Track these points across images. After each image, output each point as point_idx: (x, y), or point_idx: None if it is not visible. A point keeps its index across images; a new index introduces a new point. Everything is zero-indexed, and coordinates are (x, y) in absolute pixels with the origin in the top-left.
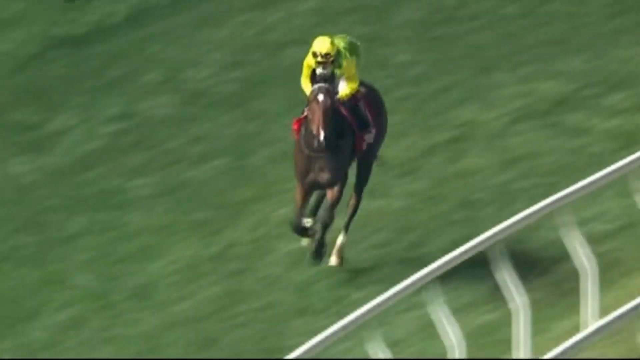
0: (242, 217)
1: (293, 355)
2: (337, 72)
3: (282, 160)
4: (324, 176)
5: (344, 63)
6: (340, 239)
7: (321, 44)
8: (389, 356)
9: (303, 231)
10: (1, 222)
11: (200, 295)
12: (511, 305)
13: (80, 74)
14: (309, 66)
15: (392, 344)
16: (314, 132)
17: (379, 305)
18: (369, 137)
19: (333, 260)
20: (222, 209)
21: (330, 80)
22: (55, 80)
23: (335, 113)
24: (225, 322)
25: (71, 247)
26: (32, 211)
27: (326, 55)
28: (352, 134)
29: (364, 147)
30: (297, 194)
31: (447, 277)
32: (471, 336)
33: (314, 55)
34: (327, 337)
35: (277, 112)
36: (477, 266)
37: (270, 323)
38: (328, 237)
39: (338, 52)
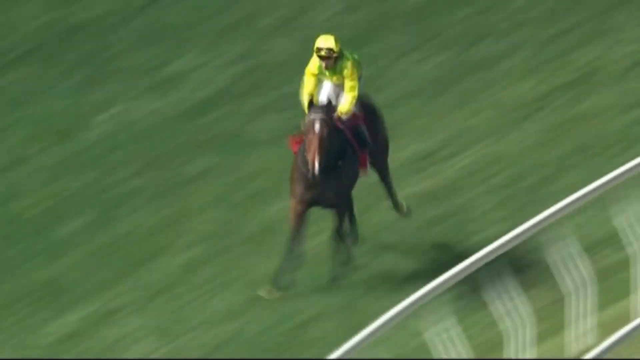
0: None
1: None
2: (338, 77)
3: (398, 105)
4: (326, 196)
5: (347, 66)
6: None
7: (325, 40)
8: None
9: (288, 264)
10: (121, 166)
11: (318, 238)
12: None
13: (201, 17)
14: (312, 74)
15: None
16: (309, 162)
17: (491, 251)
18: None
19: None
20: None
21: (327, 110)
22: (176, 23)
23: (337, 134)
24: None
25: (190, 191)
26: (152, 154)
27: (329, 50)
28: (354, 154)
29: (367, 165)
30: (292, 215)
31: None
32: None
33: (318, 50)
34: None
35: (396, 54)
36: None
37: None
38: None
39: (341, 53)
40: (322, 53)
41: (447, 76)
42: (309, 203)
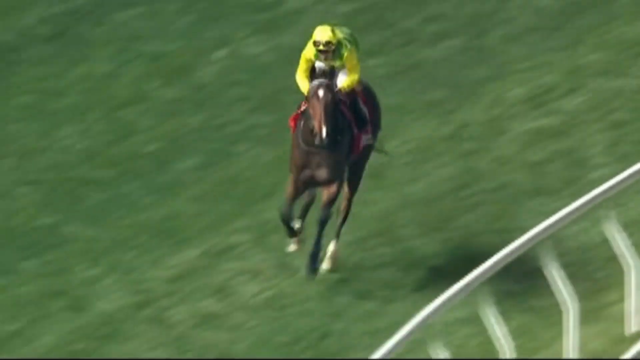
0: (476, 96)
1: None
2: (338, 63)
3: (518, 40)
4: (322, 173)
5: (345, 53)
6: (331, 247)
7: (322, 33)
8: (626, 238)
9: (291, 231)
10: (237, 102)
11: (434, 175)
12: None
13: None
14: (308, 59)
15: (627, 225)
16: (316, 128)
17: (613, 186)
18: (365, 139)
19: (326, 265)
20: (456, 88)
21: (330, 76)
22: None
23: (335, 109)
24: (458, 202)
25: None
26: (268, 91)
27: (328, 43)
28: (350, 132)
29: (361, 148)
30: (290, 188)
31: None
32: None
33: (315, 44)
34: (561, 218)
35: None
36: None
37: (504, 204)
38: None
39: (339, 42)
40: (321, 47)
41: (567, 10)
42: (307, 180)
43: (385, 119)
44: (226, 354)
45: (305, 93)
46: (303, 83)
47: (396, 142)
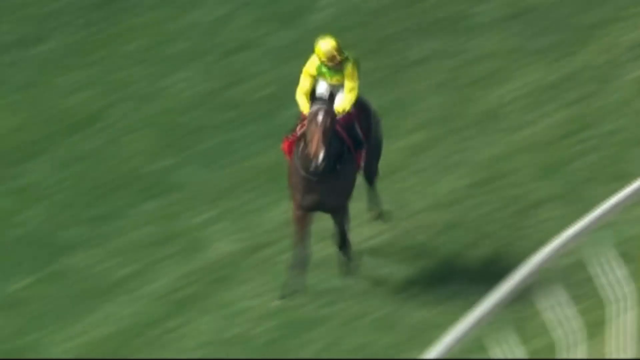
0: (591, 41)
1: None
2: (337, 78)
3: None
4: (326, 201)
5: (348, 68)
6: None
7: (328, 44)
8: None
9: (300, 269)
10: (346, 49)
11: (547, 120)
12: None
13: None
14: (310, 75)
15: None
16: (312, 153)
17: None
18: (362, 156)
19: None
20: (570, 32)
21: (330, 101)
22: None
23: (334, 135)
24: (572, 147)
25: (417, 72)
26: (378, 36)
27: (333, 57)
28: (351, 155)
29: (362, 164)
30: (295, 221)
31: None
32: None
33: (322, 55)
34: None
35: None
36: None
37: (618, 149)
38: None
39: (345, 57)
40: (327, 62)
41: None
42: (310, 207)
43: (498, 64)
44: (340, 299)
45: (304, 111)
46: (303, 103)
47: (509, 87)
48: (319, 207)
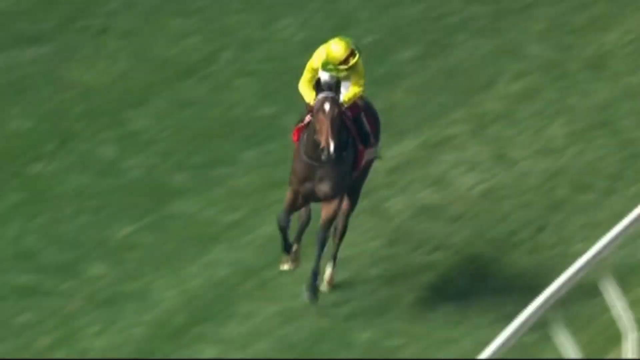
0: None
1: None
2: (344, 73)
3: None
4: (323, 188)
5: (355, 60)
6: (328, 271)
7: (340, 49)
8: None
9: (287, 244)
10: None
11: None
12: None
13: None
14: (314, 69)
15: None
16: (322, 143)
17: None
18: (370, 153)
19: (323, 287)
20: None
21: (336, 89)
22: None
23: (341, 123)
24: None
25: (526, 17)
26: None
27: (347, 60)
28: (355, 148)
29: (363, 164)
30: (288, 197)
31: None
32: None
33: (334, 61)
34: None
35: None
36: None
37: None
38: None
39: (353, 53)
40: (341, 64)
41: None
42: (306, 196)
43: (605, 9)
44: (443, 246)
45: (310, 102)
46: (308, 93)
47: (616, 33)
48: (315, 193)
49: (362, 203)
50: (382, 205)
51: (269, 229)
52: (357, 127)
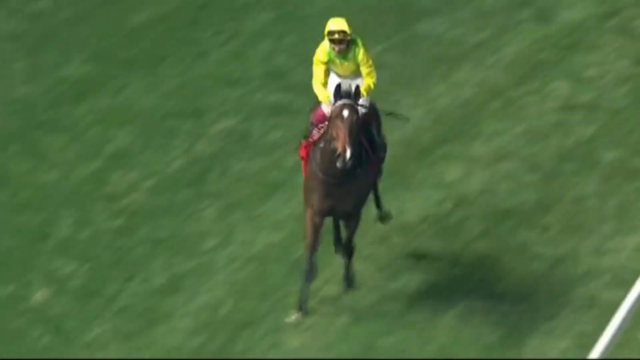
0: None
1: None
2: (353, 64)
3: None
4: (343, 206)
5: (360, 55)
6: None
7: (337, 23)
8: None
9: (311, 277)
10: None
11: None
12: None
13: None
14: (322, 62)
15: None
16: (339, 150)
17: None
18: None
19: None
20: None
21: (354, 96)
22: None
23: (359, 132)
24: None
25: None
26: None
27: (342, 32)
28: (369, 160)
29: (376, 170)
30: (309, 227)
31: None
32: None
33: (330, 34)
34: None
35: None
36: None
37: None
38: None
39: (352, 37)
40: (336, 36)
41: None
42: (327, 212)
43: None
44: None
45: (323, 100)
46: (321, 91)
47: None
48: (335, 211)
49: (611, 22)
50: (630, 24)
51: (515, 48)
52: (367, 137)
